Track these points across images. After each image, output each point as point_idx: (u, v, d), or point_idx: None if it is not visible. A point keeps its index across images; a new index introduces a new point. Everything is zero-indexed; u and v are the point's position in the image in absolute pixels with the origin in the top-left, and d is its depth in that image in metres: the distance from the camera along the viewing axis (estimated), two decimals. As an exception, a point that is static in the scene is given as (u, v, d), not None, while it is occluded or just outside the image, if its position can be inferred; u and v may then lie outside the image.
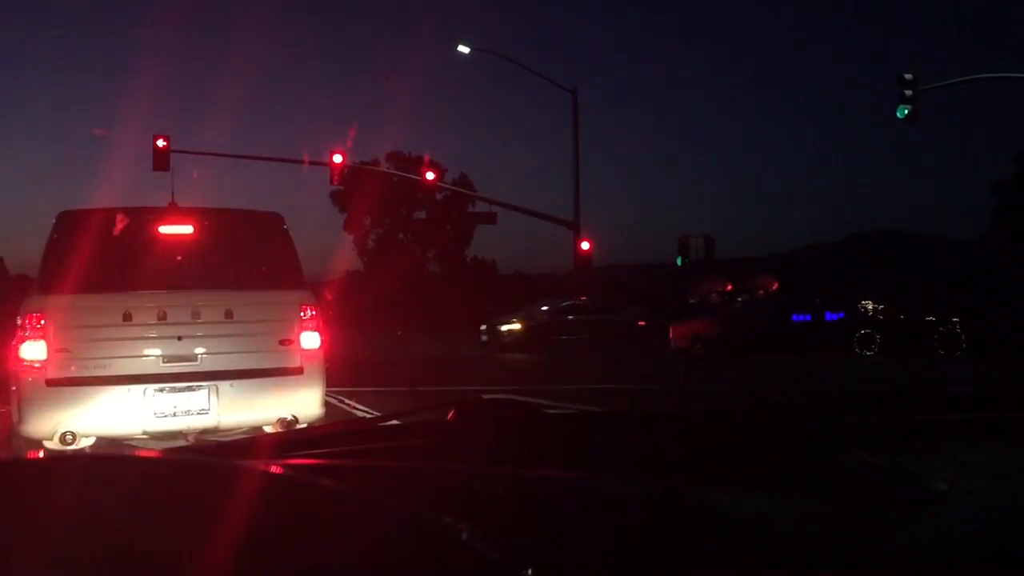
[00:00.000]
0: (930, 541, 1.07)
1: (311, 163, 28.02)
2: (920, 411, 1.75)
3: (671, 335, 20.71)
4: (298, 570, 0.76)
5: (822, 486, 1.26)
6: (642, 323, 28.20)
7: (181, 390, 6.09)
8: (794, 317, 21.29)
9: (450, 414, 1.52)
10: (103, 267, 6.33)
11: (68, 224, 6.49)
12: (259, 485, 0.88)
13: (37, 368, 5.92)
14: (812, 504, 1.19)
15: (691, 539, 1.02)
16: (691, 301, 22.37)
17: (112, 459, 1.05)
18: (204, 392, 6.13)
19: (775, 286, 21.80)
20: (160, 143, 24.90)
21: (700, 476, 1.35)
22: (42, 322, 5.96)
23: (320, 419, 6.58)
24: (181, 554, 0.75)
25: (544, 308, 28.58)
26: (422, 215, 50.71)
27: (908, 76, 19.79)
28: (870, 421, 1.68)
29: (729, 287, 21.98)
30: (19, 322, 6.04)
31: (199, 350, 6.22)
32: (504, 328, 27.48)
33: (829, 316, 21.36)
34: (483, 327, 28.40)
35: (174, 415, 6.06)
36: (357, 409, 10.56)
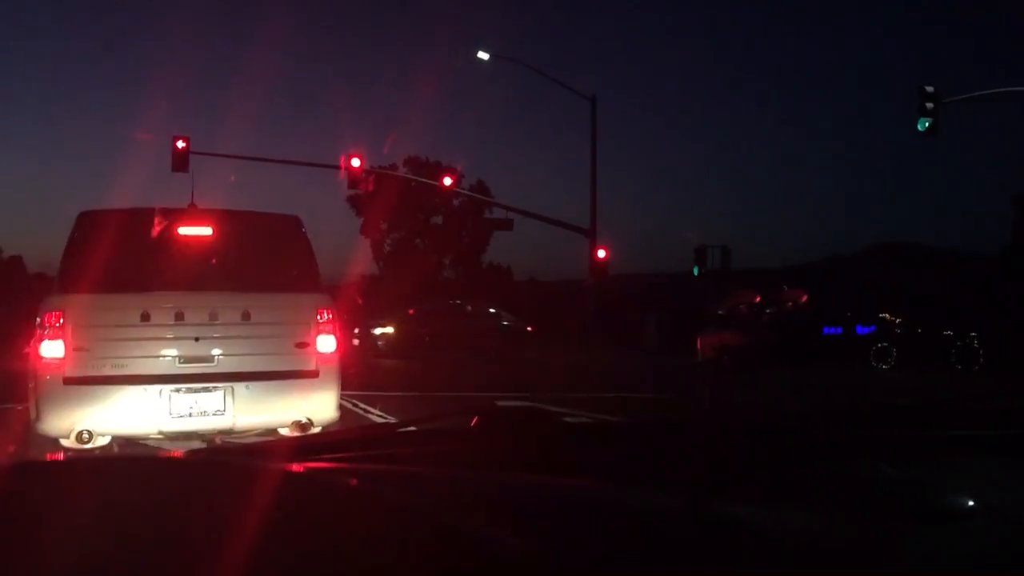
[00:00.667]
0: (954, 558, 1.06)
1: (327, 167, 28.20)
2: (947, 426, 1.73)
3: (699, 346, 20.63)
4: (323, 570, 0.76)
5: (844, 500, 1.25)
6: (530, 328, 27.35)
7: (197, 391, 6.12)
8: (825, 330, 20.97)
9: (473, 421, 1.52)
10: (122, 267, 6.38)
11: (88, 224, 6.55)
12: (285, 485, 0.88)
13: (55, 366, 5.96)
14: (833, 518, 1.18)
15: (713, 550, 1.02)
16: (719, 312, 22.20)
17: (137, 459, 1.06)
18: (220, 393, 6.16)
19: (804, 299, 21.63)
20: (180, 144, 25.07)
21: (723, 487, 1.34)
22: (61, 321, 6.01)
23: (335, 422, 6.59)
24: (205, 553, 0.75)
25: (413, 311, 26.98)
26: (439, 220, 50.74)
27: (929, 89, 19.72)
28: (895, 435, 1.66)
29: (758, 299, 21.85)
30: (38, 320, 6.09)
31: (216, 351, 6.25)
32: (377, 331, 26.08)
33: (860, 330, 21.02)
34: (356, 331, 26.19)
35: (190, 415, 6.08)
36: (371, 413, 10.57)
